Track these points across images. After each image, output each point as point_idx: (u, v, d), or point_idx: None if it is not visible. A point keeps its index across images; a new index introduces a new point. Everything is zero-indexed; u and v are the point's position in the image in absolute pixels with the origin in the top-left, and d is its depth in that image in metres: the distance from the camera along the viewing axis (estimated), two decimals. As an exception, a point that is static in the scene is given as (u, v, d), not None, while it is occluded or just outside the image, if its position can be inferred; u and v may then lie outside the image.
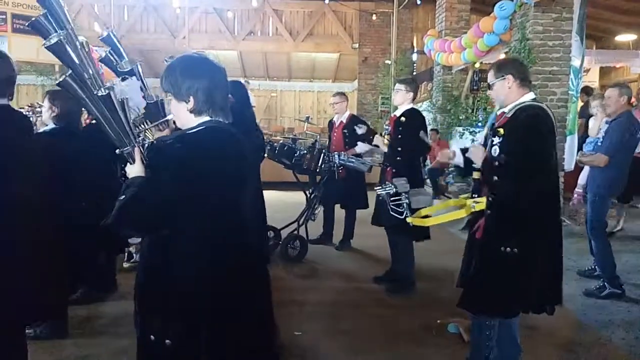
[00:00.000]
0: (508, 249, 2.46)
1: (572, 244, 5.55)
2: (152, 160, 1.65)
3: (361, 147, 5.26)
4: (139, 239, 4.87)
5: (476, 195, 2.73)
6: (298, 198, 5.54)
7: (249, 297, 1.75)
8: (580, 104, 7.17)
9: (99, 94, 1.60)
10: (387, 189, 3.25)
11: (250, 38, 14.61)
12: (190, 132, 1.69)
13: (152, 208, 1.57)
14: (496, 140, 2.58)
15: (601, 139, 4.23)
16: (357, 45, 14.30)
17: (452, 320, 3.43)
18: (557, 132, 6.54)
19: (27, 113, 4.47)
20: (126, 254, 4.74)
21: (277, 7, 14.31)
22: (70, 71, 1.58)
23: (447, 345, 3.27)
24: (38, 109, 4.06)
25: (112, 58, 2.56)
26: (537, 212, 2.49)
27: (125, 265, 4.72)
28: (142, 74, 2.59)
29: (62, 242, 2.53)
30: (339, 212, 5.74)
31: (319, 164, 5.12)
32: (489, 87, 2.74)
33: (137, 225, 1.64)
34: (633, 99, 5.57)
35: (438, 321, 3.51)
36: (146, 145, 1.71)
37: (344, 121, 5.64)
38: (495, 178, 2.51)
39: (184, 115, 1.73)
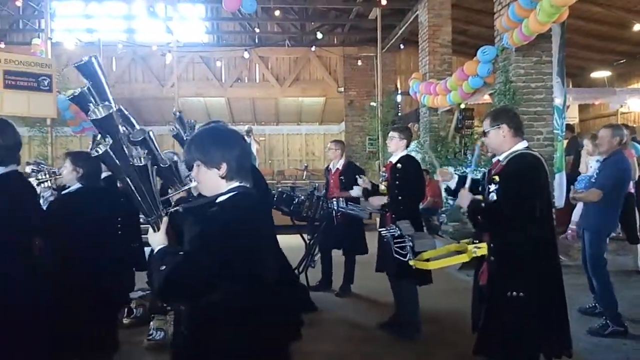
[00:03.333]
0: (514, 293, 2.52)
1: (569, 280, 5.51)
2: (197, 229, 1.69)
3: (356, 191, 5.36)
4: (140, 293, 4.85)
5: (477, 241, 2.81)
6: (295, 242, 5.54)
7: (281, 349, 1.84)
8: (565, 141, 7.39)
9: (137, 164, 1.65)
10: (391, 231, 3.32)
11: (238, 85, 14.89)
12: (225, 198, 1.76)
13: (202, 275, 1.62)
14: (492, 187, 2.69)
15: (594, 177, 4.36)
16: (342, 89, 14.64)
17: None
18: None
19: (32, 171, 4.50)
20: (126, 309, 4.67)
21: (264, 54, 14.67)
22: (110, 142, 1.63)
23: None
24: (44, 167, 4.07)
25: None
26: (536, 256, 2.57)
27: (125, 321, 4.63)
28: (154, 140, 2.64)
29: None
30: (339, 258, 5.75)
31: (318, 211, 5.18)
32: (484, 134, 2.86)
33: (188, 292, 1.69)
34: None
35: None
36: (169, 214, 1.76)
37: (340, 168, 5.74)
38: (486, 222, 2.63)
39: (214, 181, 1.80)
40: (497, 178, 2.66)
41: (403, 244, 3.18)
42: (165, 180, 2.39)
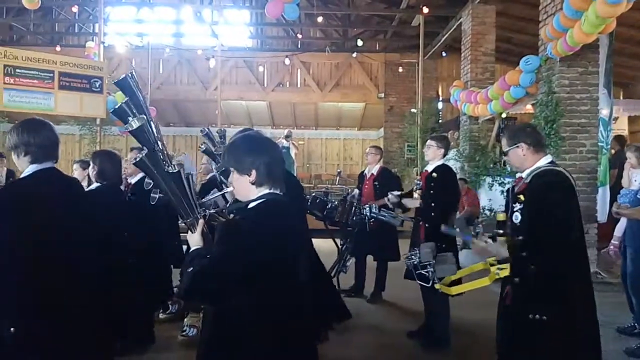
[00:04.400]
0: (537, 316, 2.46)
1: (608, 298, 5.39)
2: (222, 233, 1.78)
3: (392, 198, 5.38)
4: (175, 291, 5.01)
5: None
6: (328, 246, 5.61)
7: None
8: (612, 152, 7.16)
9: (171, 171, 1.76)
10: (412, 259, 3.32)
11: (280, 89, 15.12)
12: (254, 205, 1.84)
13: (224, 279, 1.69)
14: (517, 206, 2.63)
15: (637, 191, 4.22)
16: (382, 95, 14.63)
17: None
18: (589, 184, 6.49)
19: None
20: (162, 305, 4.85)
21: (305, 59, 14.84)
22: (145, 151, 1.75)
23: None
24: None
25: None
26: (562, 278, 2.49)
27: (162, 316, 4.81)
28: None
29: (105, 296, 2.65)
30: (371, 264, 5.77)
31: (351, 217, 5.23)
32: (504, 153, 2.83)
33: (210, 295, 1.76)
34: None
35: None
36: (206, 216, 1.86)
37: (375, 173, 5.77)
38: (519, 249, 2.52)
39: (245, 187, 1.88)
40: (521, 197, 2.60)
41: (425, 270, 3.18)
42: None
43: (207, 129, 3.85)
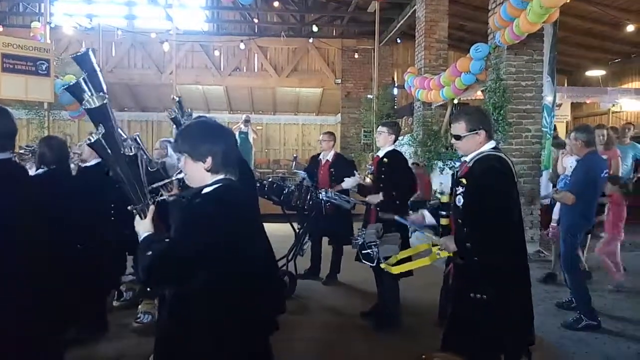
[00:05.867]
0: (478, 295, 2.54)
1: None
2: (181, 218, 1.80)
3: (348, 182, 5.54)
4: (130, 277, 4.98)
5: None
6: (285, 230, 5.68)
7: (261, 339, 1.96)
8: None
9: (127, 154, 1.75)
10: (357, 240, 3.43)
11: (236, 74, 14.96)
12: (209, 190, 1.86)
13: (186, 262, 1.72)
14: (459, 189, 2.64)
15: (569, 178, 4.48)
16: (339, 81, 14.73)
17: (436, 355, 3.56)
18: (533, 168, 6.80)
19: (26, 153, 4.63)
20: (116, 292, 4.81)
21: (263, 44, 14.72)
22: (102, 131, 1.72)
23: (432, 379, 3.39)
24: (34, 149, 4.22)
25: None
26: (501, 260, 2.55)
27: (115, 303, 4.77)
28: (142, 145, 2.75)
29: (58, 281, 2.63)
30: (327, 247, 5.89)
31: (307, 201, 5.31)
32: (457, 137, 2.68)
33: (171, 278, 1.79)
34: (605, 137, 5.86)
35: (423, 356, 3.63)
36: (155, 202, 1.87)
37: (330, 160, 5.86)
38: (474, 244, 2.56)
39: (199, 174, 1.89)
40: (464, 181, 2.62)
41: (370, 250, 3.26)
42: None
43: (179, 97, 3.89)
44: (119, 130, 1.91)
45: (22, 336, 2.25)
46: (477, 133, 2.63)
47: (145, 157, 2.69)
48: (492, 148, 2.65)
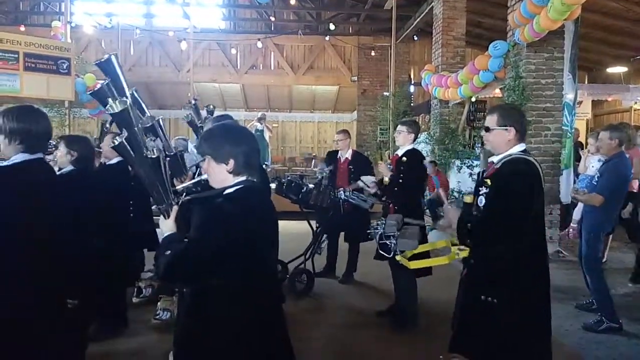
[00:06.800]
0: (489, 298, 2.49)
1: (569, 275, 5.68)
2: (202, 217, 1.83)
3: (366, 180, 5.51)
4: (149, 274, 5.04)
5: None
6: (302, 228, 5.69)
7: (278, 337, 1.97)
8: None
9: (150, 156, 1.79)
10: (377, 229, 3.39)
11: (253, 71, 15.02)
12: (231, 191, 1.90)
13: (204, 261, 1.76)
14: (483, 190, 2.58)
15: (596, 178, 4.39)
16: (355, 78, 14.70)
17: (453, 356, 3.54)
18: (552, 167, 6.68)
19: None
20: (135, 289, 4.87)
21: (279, 41, 14.74)
22: (125, 135, 1.78)
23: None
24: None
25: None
26: (517, 266, 2.49)
27: (135, 300, 4.82)
28: (163, 127, 2.79)
29: (77, 279, 2.69)
30: (343, 245, 5.89)
31: (326, 200, 5.31)
32: (487, 129, 2.64)
33: (189, 276, 1.83)
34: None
35: (440, 357, 3.62)
36: (179, 203, 1.91)
37: (349, 157, 5.84)
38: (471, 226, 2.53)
39: (222, 176, 1.93)
40: (488, 182, 2.56)
41: (389, 241, 3.24)
42: (172, 169, 2.53)
43: (195, 101, 3.95)
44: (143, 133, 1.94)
45: (48, 330, 2.30)
46: (507, 129, 2.57)
47: (165, 139, 2.73)
48: (522, 151, 2.59)
